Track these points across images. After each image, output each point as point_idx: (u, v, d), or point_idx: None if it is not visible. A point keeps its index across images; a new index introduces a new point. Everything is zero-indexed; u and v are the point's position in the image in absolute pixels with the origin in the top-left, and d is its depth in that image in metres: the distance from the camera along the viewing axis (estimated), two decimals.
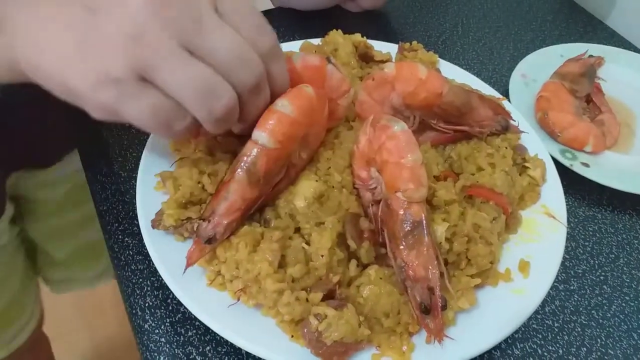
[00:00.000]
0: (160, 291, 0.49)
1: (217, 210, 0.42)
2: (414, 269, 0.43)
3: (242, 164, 0.42)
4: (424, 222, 0.43)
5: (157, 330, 0.47)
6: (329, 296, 0.43)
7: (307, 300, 0.42)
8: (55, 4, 0.37)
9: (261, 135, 0.42)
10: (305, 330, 0.41)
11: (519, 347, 0.50)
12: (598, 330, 0.52)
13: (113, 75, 0.34)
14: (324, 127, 0.50)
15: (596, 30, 0.88)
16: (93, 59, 0.35)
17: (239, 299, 0.43)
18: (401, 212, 0.44)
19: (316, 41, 0.65)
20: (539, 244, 0.51)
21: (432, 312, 0.42)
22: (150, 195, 0.49)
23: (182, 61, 0.35)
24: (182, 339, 0.47)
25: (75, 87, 0.36)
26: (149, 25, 0.34)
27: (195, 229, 0.43)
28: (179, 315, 0.48)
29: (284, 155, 0.44)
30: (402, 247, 0.43)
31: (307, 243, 0.44)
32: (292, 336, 0.42)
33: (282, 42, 0.66)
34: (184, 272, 0.43)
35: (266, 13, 0.82)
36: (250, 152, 0.42)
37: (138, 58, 0.34)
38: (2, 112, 0.61)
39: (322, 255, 0.43)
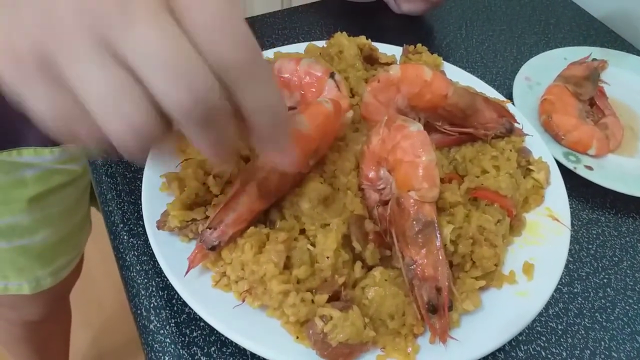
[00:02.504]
0: (166, 292, 0.49)
1: (225, 220, 0.43)
2: (423, 268, 0.43)
3: (256, 178, 0.43)
4: (436, 222, 0.44)
5: (162, 331, 0.47)
6: (334, 298, 0.43)
7: (312, 301, 0.42)
8: None
9: None
10: (310, 332, 0.41)
11: (522, 349, 0.50)
12: (602, 333, 0.52)
13: (15, 49, 0.27)
14: (334, 136, 0.50)
15: (599, 33, 0.88)
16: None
17: (244, 300, 0.43)
18: (412, 211, 0.44)
19: (321, 43, 0.65)
20: (543, 246, 0.51)
21: (439, 312, 0.42)
22: (155, 196, 0.49)
23: (92, 58, 0.26)
24: (187, 339, 0.47)
25: None
26: (64, 6, 0.26)
27: (200, 235, 0.43)
28: (184, 316, 0.48)
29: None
30: (411, 246, 0.43)
31: (313, 244, 0.44)
32: (298, 337, 0.42)
33: (292, 43, 0.67)
34: (185, 275, 0.43)
35: (275, 14, 0.83)
36: (264, 166, 0.43)
37: (43, 41, 0.27)
38: None
39: (328, 257, 0.43)
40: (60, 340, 1.09)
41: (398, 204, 0.45)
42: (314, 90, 0.50)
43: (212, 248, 0.42)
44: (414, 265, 0.43)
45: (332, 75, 0.50)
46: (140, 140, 0.28)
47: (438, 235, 0.44)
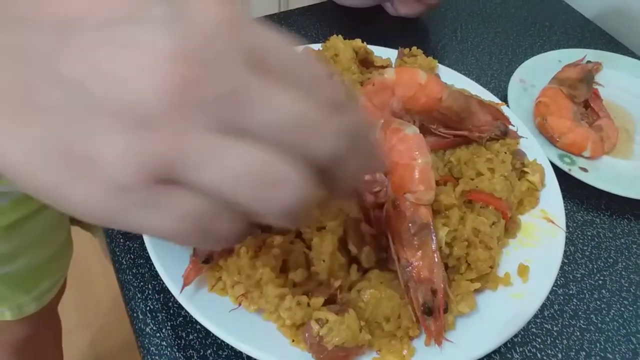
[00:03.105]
0: (162, 295, 0.49)
1: None
2: (419, 270, 0.43)
3: None
4: (432, 224, 0.44)
5: (158, 334, 0.47)
6: (330, 301, 0.43)
7: (308, 304, 0.42)
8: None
9: None
10: (306, 335, 0.41)
11: (518, 351, 0.50)
12: (597, 334, 0.52)
13: (118, 183, 0.22)
14: None
15: (594, 35, 0.88)
16: (84, 165, 0.22)
17: (240, 304, 0.43)
18: (409, 213, 0.44)
19: (317, 46, 0.66)
20: (537, 248, 0.51)
21: (434, 314, 0.42)
22: None
23: (220, 148, 0.22)
24: (183, 342, 0.47)
25: (57, 197, 0.23)
26: (164, 107, 0.21)
27: (193, 249, 0.43)
28: (180, 319, 0.48)
29: None
30: (407, 248, 0.44)
31: (309, 248, 0.44)
32: (293, 340, 0.42)
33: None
34: (181, 292, 0.43)
35: (275, 16, 0.83)
36: None
37: (155, 154, 0.22)
38: None
39: (324, 260, 0.43)
40: (53, 349, 1.08)
41: (394, 206, 0.45)
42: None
43: (206, 261, 0.42)
44: (410, 268, 0.44)
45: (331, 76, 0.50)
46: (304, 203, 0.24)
47: (434, 237, 0.44)
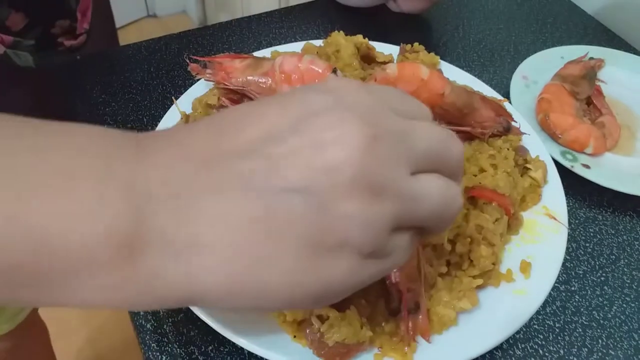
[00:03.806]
0: None
1: None
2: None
3: None
4: None
5: (159, 330, 0.47)
6: None
7: None
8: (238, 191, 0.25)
9: None
10: (307, 331, 0.41)
11: (520, 347, 0.50)
12: (599, 331, 0.52)
13: (366, 251, 0.26)
14: None
15: (596, 32, 0.88)
16: (334, 248, 0.25)
17: None
18: None
19: (318, 42, 0.65)
20: (540, 244, 0.51)
21: (401, 315, 0.42)
22: None
23: (422, 189, 0.28)
24: (184, 338, 0.47)
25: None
26: (375, 175, 0.25)
27: None
28: (181, 315, 0.48)
29: None
30: None
31: None
32: (295, 337, 0.42)
33: (289, 42, 0.67)
34: None
35: (275, 11, 0.82)
36: None
37: (389, 214, 0.26)
38: None
39: None
40: (41, 351, 1.06)
41: None
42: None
43: None
44: None
45: (334, 71, 0.50)
46: None
47: None
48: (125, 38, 0.86)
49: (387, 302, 0.44)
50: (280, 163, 0.25)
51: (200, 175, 0.25)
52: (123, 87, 0.68)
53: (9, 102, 0.68)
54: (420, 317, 0.43)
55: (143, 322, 0.47)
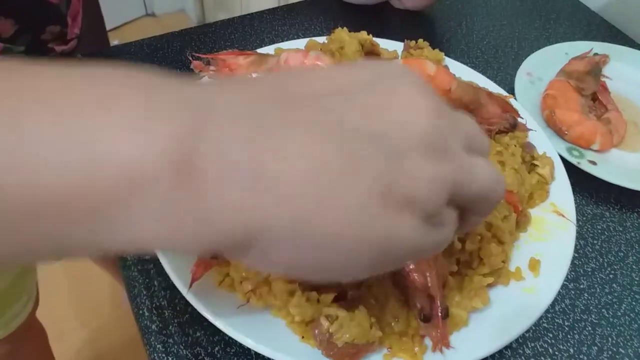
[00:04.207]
0: (168, 291, 0.49)
1: None
2: (414, 276, 0.42)
3: None
4: None
5: (164, 331, 0.46)
6: (340, 297, 0.42)
7: (318, 301, 0.42)
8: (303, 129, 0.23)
9: None
10: (316, 332, 0.40)
11: (530, 346, 0.49)
12: (609, 329, 0.52)
13: (429, 210, 0.26)
14: None
15: (600, 28, 0.88)
16: (402, 200, 0.24)
17: (248, 301, 0.43)
18: None
19: (321, 39, 0.65)
20: (548, 242, 0.50)
21: (433, 321, 0.41)
22: None
23: (477, 166, 0.28)
24: (190, 339, 0.46)
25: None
26: (438, 138, 0.26)
27: None
28: (186, 316, 0.47)
29: None
30: None
31: None
32: (303, 337, 0.41)
33: (292, 40, 0.66)
34: (189, 288, 0.42)
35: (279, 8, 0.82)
36: None
37: (450, 177, 0.26)
38: None
39: None
40: (40, 354, 1.06)
41: None
42: None
43: (214, 256, 0.41)
44: (406, 274, 0.43)
45: None
46: None
47: None
48: (124, 37, 0.85)
49: (413, 307, 0.43)
50: (353, 111, 0.24)
51: (269, 108, 0.24)
52: None
53: None
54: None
55: (148, 323, 0.47)
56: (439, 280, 0.42)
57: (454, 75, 0.54)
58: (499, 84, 0.64)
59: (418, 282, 0.42)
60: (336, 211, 0.23)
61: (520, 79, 0.72)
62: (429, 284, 0.42)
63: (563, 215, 0.52)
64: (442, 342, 0.41)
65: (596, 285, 0.55)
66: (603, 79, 0.74)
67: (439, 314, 0.42)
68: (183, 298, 0.44)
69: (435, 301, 0.42)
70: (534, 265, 0.48)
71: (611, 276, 0.56)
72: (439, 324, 0.42)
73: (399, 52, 0.66)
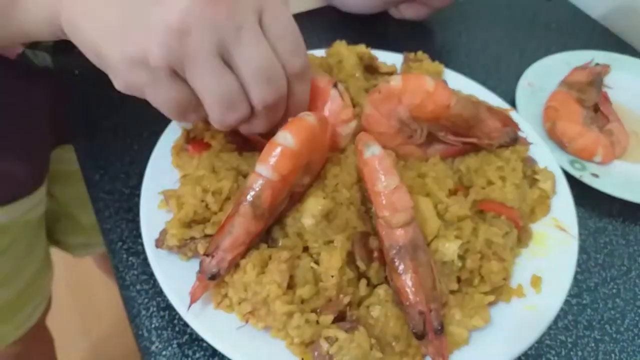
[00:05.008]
0: (167, 312, 0.48)
1: (222, 245, 0.41)
2: (405, 293, 0.42)
3: (247, 197, 0.42)
4: (407, 246, 0.42)
5: (164, 352, 0.46)
6: (339, 318, 0.42)
7: (317, 322, 0.41)
8: None
9: (264, 169, 0.42)
10: (316, 354, 0.40)
11: None
12: (612, 345, 0.51)
13: (149, 62, 0.36)
14: (326, 151, 0.49)
15: (601, 37, 0.87)
16: (134, 40, 0.36)
17: (247, 322, 0.42)
18: (385, 238, 0.43)
19: (319, 52, 0.64)
20: (550, 257, 0.50)
21: (427, 337, 0.41)
22: (154, 214, 0.48)
23: (213, 68, 0.37)
24: None
25: (108, 58, 0.37)
26: (194, 24, 0.35)
27: (199, 264, 0.42)
28: (186, 337, 0.47)
29: (288, 185, 0.43)
30: (392, 272, 0.43)
31: (316, 262, 0.43)
32: (302, 359, 0.41)
33: None
34: (188, 309, 0.42)
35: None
36: (255, 185, 0.42)
37: (176, 53, 0.35)
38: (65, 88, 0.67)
39: (332, 276, 0.42)
40: (46, 359, 1.07)
41: (377, 231, 0.44)
42: (319, 100, 0.50)
43: (212, 277, 0.41)
44: (398, 291, 0.42)
45: (335, 85, 0.49)
46: (239, 124, 0.42)
47: (410, 259, 0.42)
48: None
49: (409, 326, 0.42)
50: None
51: None
52: None
53: (26, 101, 0.68)
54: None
55: (147, 345, 0.46)
56: (428, 293, 0.42)
57: (453, 90, 0.53)
58: (499, 95, 0.64)
59: (404, 297, 0.42)
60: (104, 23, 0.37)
61: (522, 90, 0.71)
62: (419, 300, 0.41)
63: (565, 230, 0.52)
64: (440, 358, 0.41)
65: (599, 301, 0.54)
66: (604, 89, 0.73)
67: (431, 329, 0.41)
68: (182, 319, 0.43)
69: (426, 316, 0.41)
70: (536, 281, 0.48)
71: (614, 291, 0.55)
72: (432, 340, 0.41)
73: (398, 64, 0.65)
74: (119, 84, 0.39)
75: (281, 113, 0.44)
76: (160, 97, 0.39)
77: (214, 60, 0.36)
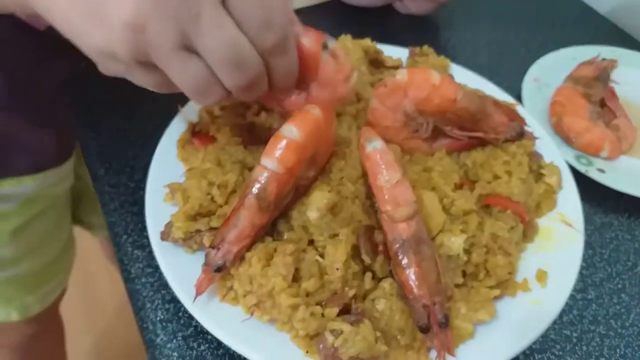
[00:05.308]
0: (172, 304, 0.48)
1: (227, 237, 0.41)
2: (409, 287, 0.42)
3: (252, 190, 0.42)
4: (411, 240, 0.42)
5: (169, 345, 0.46)
6: (344, 311, 0.42)
7: (322, 315, 0.41)
8: None
9: (270, 162, 0.42)
10: (321, 346, 0.40)
11: (537, 357, 0.49)
12: (617, 340, 0.51)
13: (117, 55, 0.35)
14: (332, 143, 0.49)
15: (608, 32, 0.87)
16: (100, 33, 0.35)
17: (252, 314, 0.42)
18: (388, 232, 0.43)
19: None
20: (556, 252, 0.50)
21: (432, 330, 0.41)
22: (159, 207, 0.48)
23: (178, 60, 0.35)
24: (194, 353, 0.46)
25: (82, 47, 0.37)
26: (148, 17, 0.33)
27: (205, 256, 0.42)
28: (191, 329, 0.47)
29: (293, 178, 0.43)
30: (395, 266, 0.43)
31: (321, 255, 0.43)
32: (307, 352, 0.41)
33: None
34: (194, 301, 0.42)
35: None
36: (260, 177, 0.42)
37: (139, 47, 0.34)
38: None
39: (338, 269, 0.42)
40: (56, 348, 1.08)
41: (381, 225, 0.44)
42: (309, 68, 0.44)
43: (218, 269, 0.41)
44: (402, 285, 0.42)
45: (325, 47, 0.44)
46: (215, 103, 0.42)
47: (413, 253, 0.42)
48: None
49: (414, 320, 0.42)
50: None
51: None
52: None
53: (54, 74, 0.68)
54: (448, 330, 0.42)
55: (152, 337, 0.47)
56: (431, 287, 0.42)
57: (459, 84, 0.53)
58: (505, 90, 0.64)
59: (408, 291, 0.42)
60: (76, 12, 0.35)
61: (528, 85, 0.71)
62: (423, 293, 0.41)
63: (571, 225, 0.51)
64: (445, 351, 0.41)
65: (604, 296, 0.54)
66: (611, 84, 0.73)
67: (435, 323, 0.41)
68: (187, 311, 0.44)
69: (430, 310, 0.41)
70: (541, 276, 0.47)
71: (619, 286, 0.55)
72: (437, 333, 0.41)
73: (404, 59, 0.65)
74: (101, 70, 0.39)
75: (262, 91, 0.41)
76: (142, 81, 0.38)
77: (177, 52, 0.35)
